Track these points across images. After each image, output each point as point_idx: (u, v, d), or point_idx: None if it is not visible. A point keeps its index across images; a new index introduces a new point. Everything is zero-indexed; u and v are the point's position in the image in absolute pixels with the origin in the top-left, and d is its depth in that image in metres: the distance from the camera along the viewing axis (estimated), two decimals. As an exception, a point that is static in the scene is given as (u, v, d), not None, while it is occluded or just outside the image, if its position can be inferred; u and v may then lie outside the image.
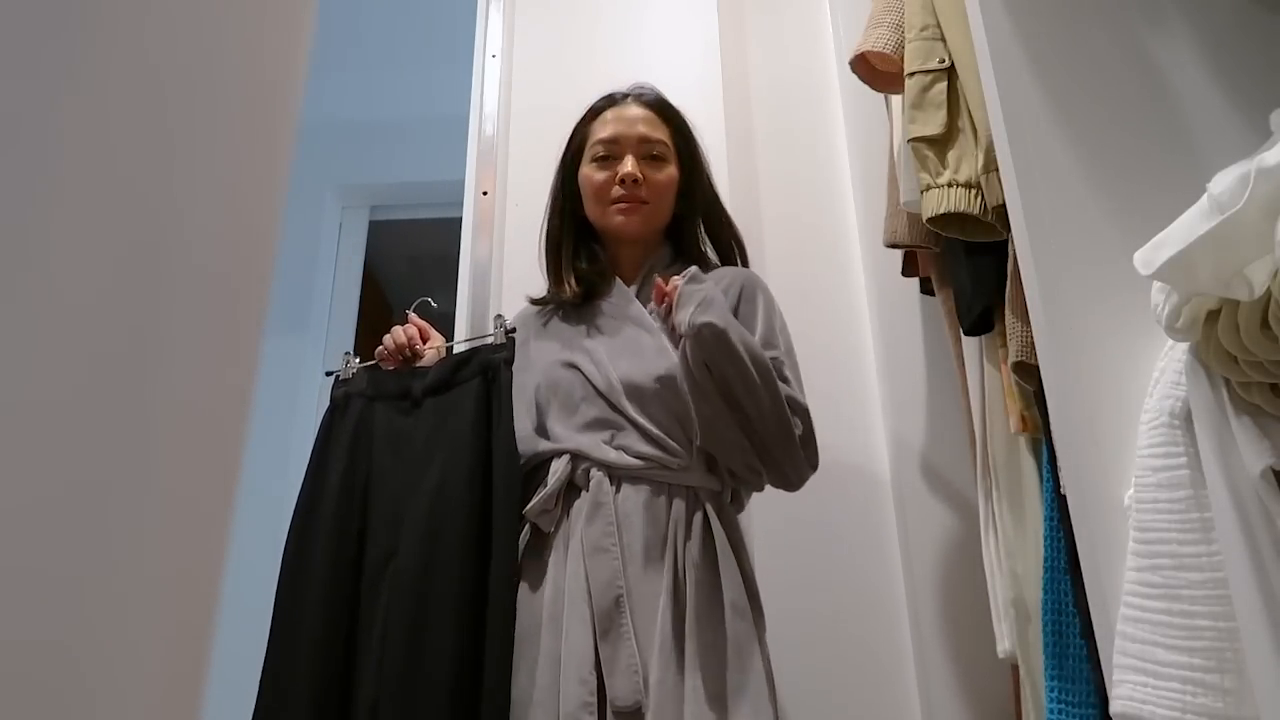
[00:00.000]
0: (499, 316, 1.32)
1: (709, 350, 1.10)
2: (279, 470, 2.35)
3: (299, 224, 2.73)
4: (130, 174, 0.29)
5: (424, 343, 1.35)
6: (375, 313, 3.11)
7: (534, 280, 1.44)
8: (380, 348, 1.34)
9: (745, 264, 1.40)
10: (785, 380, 1.20)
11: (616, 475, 1.16)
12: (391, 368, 1.32)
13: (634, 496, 1.15)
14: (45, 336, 0.25)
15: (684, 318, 1.11)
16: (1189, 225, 0.62)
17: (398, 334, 1.33)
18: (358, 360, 1.33)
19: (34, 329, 0.24)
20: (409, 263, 3.40)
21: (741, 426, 1.13)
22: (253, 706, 1.09)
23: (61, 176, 0.26)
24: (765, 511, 1.31)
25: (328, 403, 1.30)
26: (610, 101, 1.38)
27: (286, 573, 1.16)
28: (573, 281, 1.32)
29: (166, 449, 0.29)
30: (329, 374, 1.34)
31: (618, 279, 1.33)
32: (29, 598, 0.24)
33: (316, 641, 1.09)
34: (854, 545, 1.63)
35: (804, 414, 1.18)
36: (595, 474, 1.16)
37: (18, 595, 0.23)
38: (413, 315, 1.38)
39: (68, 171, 0.26)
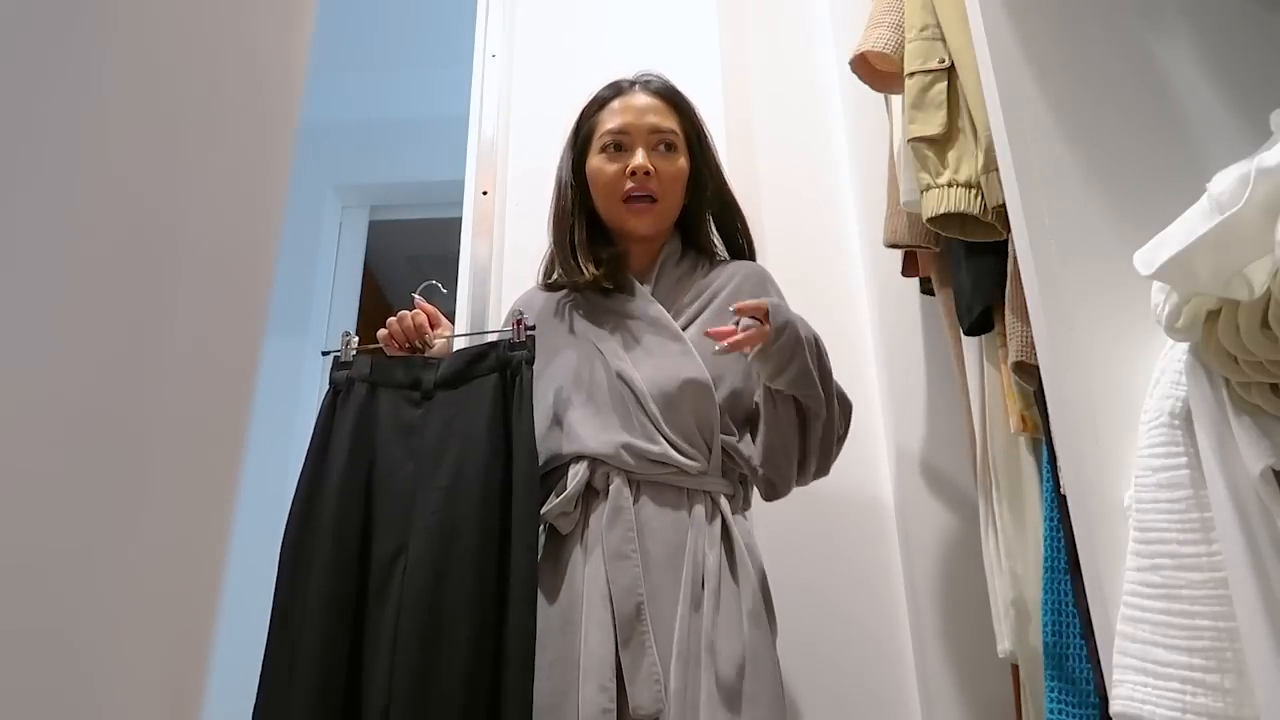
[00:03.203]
0: (520, 313, 1.25)
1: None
2: (279, 470, 2.35)
3: (299, 224, 2.73)
4: (131, 175, 0.29)
5: (433, 330, 1.30)
6: (375, 313, 3.10)
7: (533, 280, 1.44)
8: (384, 331, 1.28)
9: (752, 255, 1.39)
10: None
11: (636, 480, 1.15)
12: (396, 354, 1.27)
13: (653, 502, 1.14)
14: (46, 336, 0.25)
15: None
16: (1189, 225, 0.62)
17: (405, 320, 1.27)
18: (358, 340, 1.26)
19: (35, 329, 0.24)
20: (409, 263, 3.40)
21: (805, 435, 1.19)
22: (253, 704, 1.06)
23: (62, 177, 0.26)
24: (765, 511, 1.31)
25: (327, 385, 1.23)
26: (617, 90, 1.34)
27: (286, 565, 1.11)
28: (591, 266, 1.27)
29: (168, 448, 0.29)
30: (325, 353, 1.27)
31: (632, 277, 1.30)
32: (31, 596, 0.24)
33: (318, 638, 1.05)
34: (854, 545, 1.63)
35: (849, 414, 1.25)
36: (615, 479, 1.15)
37: (20, 592, 0.23)
38: (421, 300, 1.33)
39: (68, 172, 0.26)
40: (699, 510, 1.15)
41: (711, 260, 1.36)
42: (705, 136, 1.35)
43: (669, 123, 1.30)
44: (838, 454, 1.23)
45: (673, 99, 1.33)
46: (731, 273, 1.31)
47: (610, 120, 1.30)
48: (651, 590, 1.09)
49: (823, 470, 1.22)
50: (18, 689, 0.23)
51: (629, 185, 1.26)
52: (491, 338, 1.27)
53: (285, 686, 1.04)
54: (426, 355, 1.27)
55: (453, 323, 1.40)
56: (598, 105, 1.34)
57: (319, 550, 1.10)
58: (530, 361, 1.19)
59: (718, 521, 1.15)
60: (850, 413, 1.24)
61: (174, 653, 0.29)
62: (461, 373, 1.21)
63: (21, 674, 0.23)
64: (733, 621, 1.09)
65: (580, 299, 1.31)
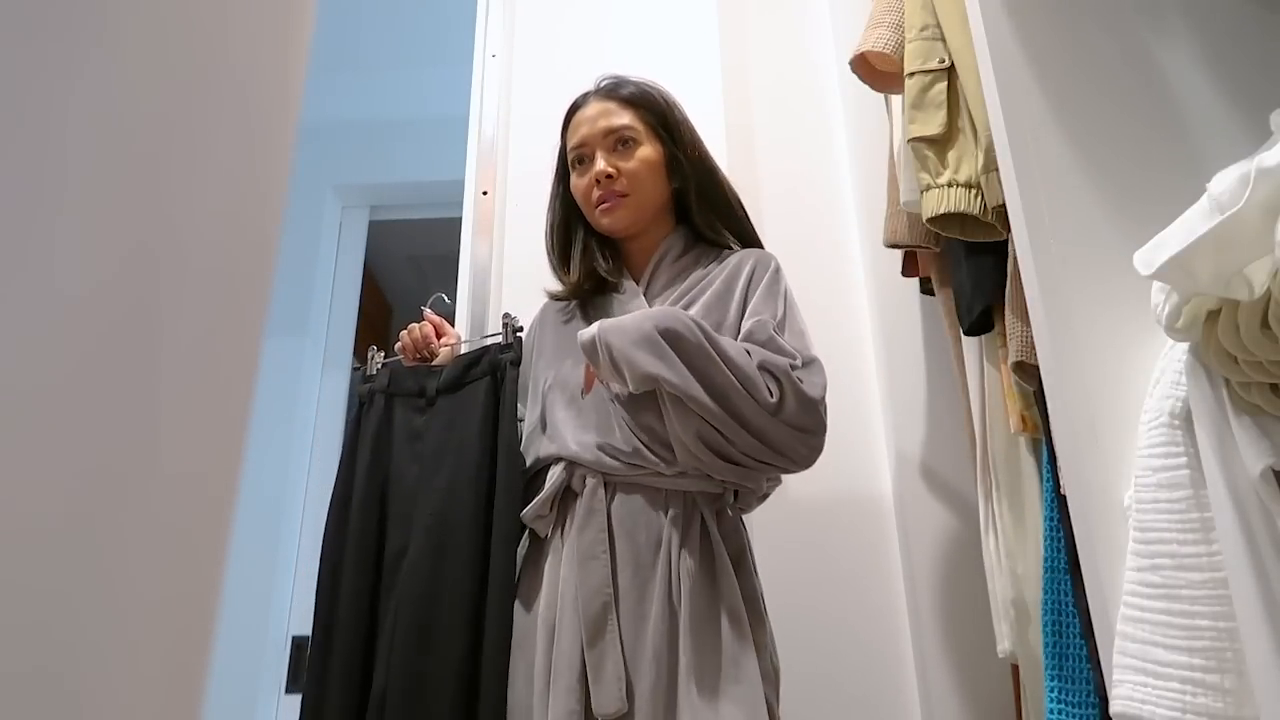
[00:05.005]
0: (507, 315, 1.32)
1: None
2: (279, 470, 2.35)
3: (299, 224, 2.73)
4: (129, 174, 0.29)
5: (439, 339, 1.39)
6: (375, 313, 3.11)
7: (533, 280, 1.44)
8: (399, 343, 1.38)
9: (751, 234, 1.37)
10: (763, 344, 1.14)
11: (611, 481, 1.15)
12: (410, 364, 1.37)
13: (628, 503, 1.14)
14: (45, 337, 0.25)
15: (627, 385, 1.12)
16: (1189, 225, 0.62)
17: (414, 331, 1.37)
18: (382, 355, 1.38)
19: (33, 329, 0.24)
20: (409, 263, 3.40)
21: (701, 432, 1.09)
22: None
23: (60, 176, 0.26)
24: (765, 511, 1.31)
25: (341, 402, 1.36)
26: (581, 101, 1.36)
27: (324, 566, 1.22)
28: (578, 274, 1.32)
29: (166, 449, 0.29)
30: (356, 369, 1.40)
31: (627, 278, 1.31)
32: (29, 597, 0.24)
33: (345, 633, 1.15)
34: (854, 545, 1.63)
35: (784, 375, 1.09)
36: (590, 480, 1.15)
37: (17, 594, 0.23)
38: (428, 312, 1.42)
39: (67, 171, 0.26)
40: (675, 511, 1.13)
41: (717, 250, 1.34)
42: (672, 121, 1.33)
43: (621, 119, 1.30)
44: (807, 448, 1.11)
45: (624, 96, 1.33)
46: (726, 263, 1.29)
47: (573, 137, 1.34)
48: (625, 591, 1.08)
49: (775, 457, 1.11)
50: (15, 690, 0.23)
51: (596, 193, 1.29)
52: (488, 343, 1.36)
53: (323, 678, 1.16)
54: (432, 364, 1.36)
55: (453, 323, 1.44)
56: (565, 124, 1.37)
57: (347, 555, 1.21)
58: (516, 363, 1.27)
59: (696, 522, 1.13)
60: (809, 404, 1.10)
61: (174, 653, 0.29)
62: (459, 378, 1.29)
63: (19, 674, 0.23)
64: (710, 622, 1.08)
65: (582, 305, 1.33)
